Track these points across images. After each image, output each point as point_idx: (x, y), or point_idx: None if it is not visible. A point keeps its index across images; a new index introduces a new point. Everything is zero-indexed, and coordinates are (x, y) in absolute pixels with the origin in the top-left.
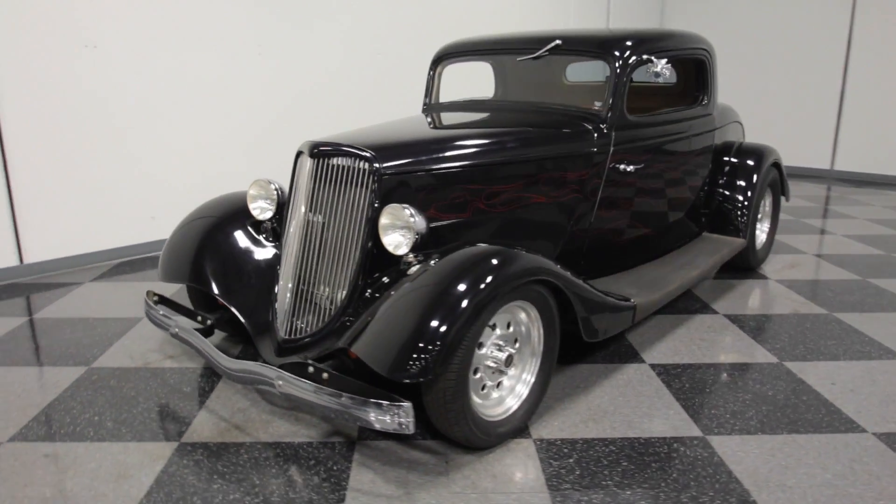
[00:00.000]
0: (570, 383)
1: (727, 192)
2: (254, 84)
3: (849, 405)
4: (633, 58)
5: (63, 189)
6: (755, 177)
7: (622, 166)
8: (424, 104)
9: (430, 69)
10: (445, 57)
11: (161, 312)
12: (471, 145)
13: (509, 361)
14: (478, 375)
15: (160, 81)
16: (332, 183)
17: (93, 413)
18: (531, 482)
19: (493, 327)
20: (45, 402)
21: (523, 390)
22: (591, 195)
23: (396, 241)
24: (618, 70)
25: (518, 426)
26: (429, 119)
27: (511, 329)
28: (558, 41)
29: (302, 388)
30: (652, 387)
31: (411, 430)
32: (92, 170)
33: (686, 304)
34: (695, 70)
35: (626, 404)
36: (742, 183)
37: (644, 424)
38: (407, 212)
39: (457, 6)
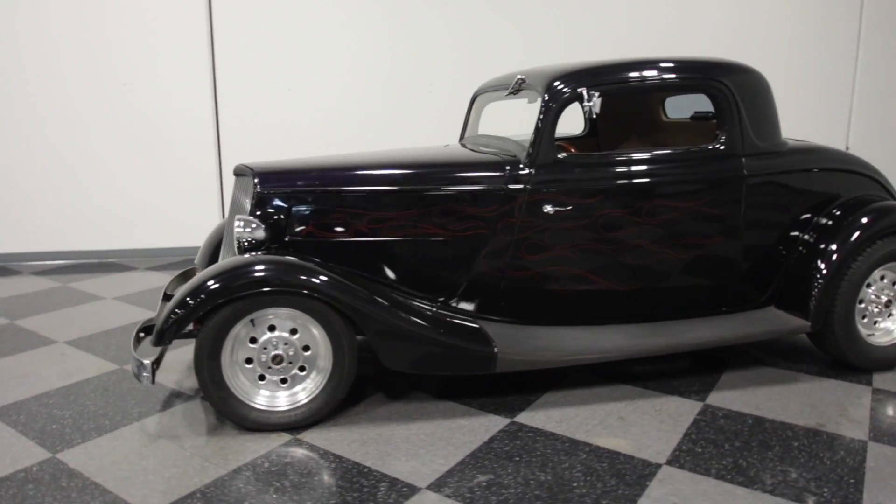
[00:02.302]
0: (406, 412)
1: (804, 258)
2: (424, 117)
3: None
4: (562, 93)
5: None
6: (850, 240)
7: (549, 207)
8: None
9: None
10: (480, 93)
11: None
12: (358, 174)
13: (278, 360)
14: (251, 366)
15: (336, 114)
16: (244, 196)
17: (113, 341)
18: (229, 461)
19: (272, 328)
20: (109, 327)
21: (284, 397)
22: (504, 234)
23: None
24: (543, 105)
25: (285, 423)
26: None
27: (298, 335)
28: (521, 77)
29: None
30: (471, 438)
31: (147, 383)
32: None
33: (682, 383)
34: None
35: (406, 445)
36: (833, 247)
37: (397, 463)
38: (236, 223)
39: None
